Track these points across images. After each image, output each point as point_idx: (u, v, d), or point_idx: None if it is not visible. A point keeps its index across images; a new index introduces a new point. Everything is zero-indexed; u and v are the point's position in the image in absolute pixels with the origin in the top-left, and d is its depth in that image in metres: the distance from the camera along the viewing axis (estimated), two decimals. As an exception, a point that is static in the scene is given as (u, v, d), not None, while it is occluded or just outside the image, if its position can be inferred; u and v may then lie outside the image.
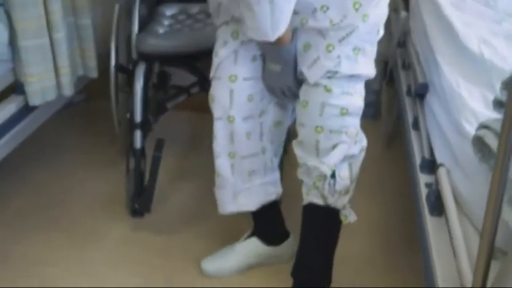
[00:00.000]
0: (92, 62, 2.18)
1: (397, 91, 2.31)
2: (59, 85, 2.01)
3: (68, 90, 2.04)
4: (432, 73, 1.82)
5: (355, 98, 1.58)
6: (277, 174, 1.84)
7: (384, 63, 2.76)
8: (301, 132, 1.64)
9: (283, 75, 1.60)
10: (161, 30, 2.14)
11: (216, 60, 1.64)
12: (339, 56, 1.51)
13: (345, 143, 1.58)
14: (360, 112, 1.61)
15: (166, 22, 2.24)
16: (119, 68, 2.15)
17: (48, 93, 1.96)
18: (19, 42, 1.84)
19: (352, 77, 1.54)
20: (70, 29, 2.07)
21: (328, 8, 1.46)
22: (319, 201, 1.66)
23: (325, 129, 1.58)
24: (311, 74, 1.56)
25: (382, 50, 2.71)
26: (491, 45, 1.68)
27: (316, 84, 1.55)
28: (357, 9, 1.46)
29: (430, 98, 1.78)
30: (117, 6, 2.15)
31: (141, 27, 2.12)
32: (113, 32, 2.15)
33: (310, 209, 1.70)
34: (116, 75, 2.16)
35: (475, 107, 1.44)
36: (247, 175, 1.76)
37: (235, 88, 1.64)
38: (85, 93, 2.79)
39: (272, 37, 1.44)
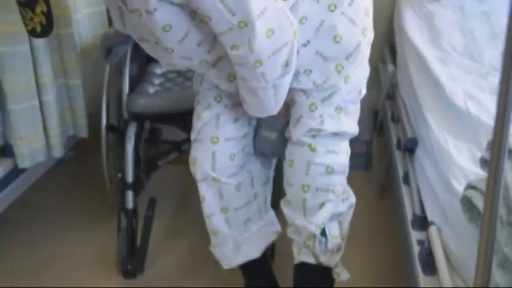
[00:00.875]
0: (82, 122, 2.18)
1: (387, 144, 2.32)
2: (48, 146, 2.01)
3: (58, 152, 2.04)
4: (420, 128, 1.82)
5: (341, 156, 1.59)
6: (272, 213, 1.83)
7: (375, 113, 2.78)
8: (289, 191, 1.64)
9: (279, 141, 1.64)
10: (151, 90, 2.16)
11: (198, 123, 1.66)
12: (321, 116, 1.53)
13: (332, 201, 1.59)
14: (346, 170, 1.62)
15: (156, 81, 2.26)
16: (109, 128, 2.16)
17: (38, 155, 1.96)
18: (9, 105, 1.84)
19: (336, 135, 1.56)
20: (60, 90, 2.09)
21: (311, 71, 1.49)
22: (311, 260, 1.65)
23: (312, 188, 1.58)
24: (295, 131, 1.58)
25: (372, 100, 2.77)
26: (477, 100, 1.69)
27: (301, 143, 1.56)
28: (339, 72, 1.50)
29: (420, 153, 1.78)
30: (107, 66, 2.17)
31: (132, 87, 2.15)
32: (103, 92, 2.16)
33: (302, 268, 1.68)
34: (106, 136, 2.17)
35: (463, 164, 1.44)
36: (244, 225, 1.75)
37: (217, 150, 1.64)
38: (75, 150, 2.79)
39: (275, 112, 1.51)
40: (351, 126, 1.60)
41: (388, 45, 2.72)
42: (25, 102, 1.87)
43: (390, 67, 2.40)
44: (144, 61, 2.35)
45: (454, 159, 1.48)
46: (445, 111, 1.74)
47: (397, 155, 2.03)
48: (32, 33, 1.30)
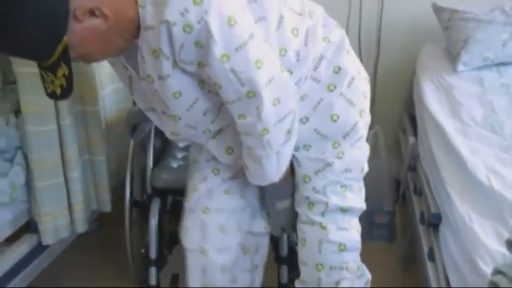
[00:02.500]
0: (106, 197, 2.21)
1: (410, 217, 2.30)
2: (72, 222, 2.03)
3: (81, 227, 2.06)
4: (444, 203, 1.80)
5: (352, 233, 1.60)
6: None
7: (396, 182, 2.76)
8: (303, 270, 1.65)
9: (292, 208, 1.64)
10: (175, 165, 2.18)
11: (194, 195, 1.68)
12: (314, 188, 1.55)
13: (346, 279, 1.59)
14: (359, 246, 1.62)
15: (179, 155, 2.28)
16: (133, 203, 2.17)
17: (62, 231, 1.98)
18: (35, 183, 1.88)
19: (345, 211, 1.57)
20: (84, 165, 2.12)
21: (310, 147, 1.54)
22: (333, 338, 1.62)
23: (326, 266, 1.58)
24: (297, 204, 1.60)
25: (394, 170, 2.76)
26: (500, 175, 1.68)
27: (311, 222, 1.58)
28: (335, 148, 1.53)
29: (444, 229, 1.76)
30: (132, 142, 2.20)
31: (156, 161, 2.17)
32: (128, 168, 2.18)
33: None
34: (130, 211, 2.18)
35: (489, 244, 1.42)
36: None
37: (207, 220, 1.66)
38: (98, 221, 2.80)
39: (276, 180, 1.52)
40: (358, 202, 1.61)
41: (408, 116, 2.73)
42: (51, 180, 1.91)
43: (411, 139, 2.40)
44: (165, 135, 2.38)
45: (479, 238, 1.46)
46: (468, 187, 1.73)
47: (421, 229, 2.00)
48: (52, 95, 1.29)
